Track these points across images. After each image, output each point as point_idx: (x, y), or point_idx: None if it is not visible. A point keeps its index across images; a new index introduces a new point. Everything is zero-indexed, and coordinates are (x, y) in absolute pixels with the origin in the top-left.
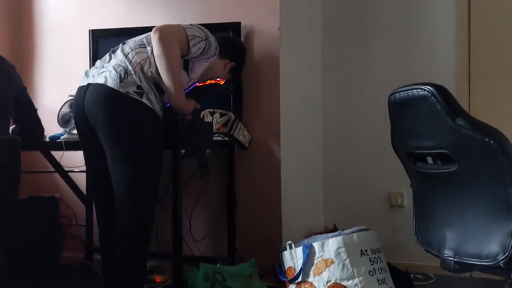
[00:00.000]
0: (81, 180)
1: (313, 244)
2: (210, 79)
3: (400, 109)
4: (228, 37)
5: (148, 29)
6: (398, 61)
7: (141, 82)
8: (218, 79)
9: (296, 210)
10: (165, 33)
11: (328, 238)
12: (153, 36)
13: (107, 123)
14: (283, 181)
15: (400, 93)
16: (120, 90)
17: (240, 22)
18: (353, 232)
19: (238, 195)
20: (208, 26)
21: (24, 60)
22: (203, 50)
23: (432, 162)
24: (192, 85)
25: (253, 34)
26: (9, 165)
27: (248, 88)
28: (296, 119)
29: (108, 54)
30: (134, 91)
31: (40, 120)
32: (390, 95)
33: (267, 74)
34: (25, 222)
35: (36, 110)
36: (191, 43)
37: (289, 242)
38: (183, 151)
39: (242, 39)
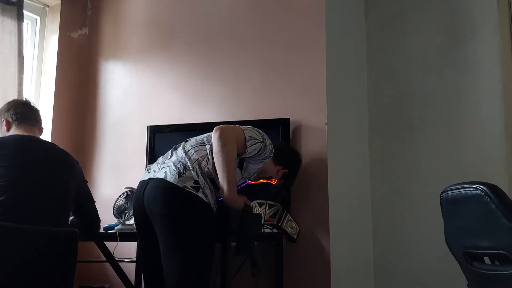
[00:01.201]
0: (130, 270)
1: None
2: (263, 177)
3: (453, 208)
4: (286, 146)
5: (202, 125)
6: (447, 154)
7: (198, 177)
8: (271, 178)
9: None
10: (225, 132)
11: None
12: (214, 134)
13: (163, 215)
14: (333, 275)
15: (453, 191)
16: (178, 184)
17: (288, 118)
18: None
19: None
20: (258, 122)
21: (85, 153)
22: (259, 151)
23: (490, 263)
24: (244, 182)
25: (301, 128)
26: (67, 256)
27: (297, 181)
28: (345, 212)
29: (170, 150)
30: (191, 186)
31: (97, 212)
32: (442, 193)
33: (316, 167)
34: None
35: (94, 202)
36: (247, 144)
37: None
38: (233, 243)
39: (290, 134)
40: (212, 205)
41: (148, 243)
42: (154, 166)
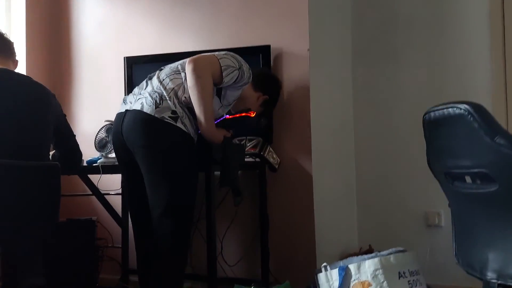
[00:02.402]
0: (117, 202)
1: (349, 266)
2: (242, 110)
3: (436, 128)
4: (265, 72)
5: (179, 54)
6: (431, 79)
7: (175, 107)
8: (249, 111)
9: (329, 230)
10: (199, 64)
11: (365, 259)
12: (187, 67)
13: (144, 147)
14: (316, 201)
15: (435, 111)
16: (155, 115)
17: (269, 45)
18: (390, 254)
19: (270, 216)
20: (238, 50)
21: (62, 87)
22: (236, 79)
23: (471, 182)
24: (222, 116)
25: (283, 56)
26: (50, 190)
27: (279, 110)
28: (328, 139)
29: (145, 80)
30: (169, 116)
31: (78, 146)
32: (424, 114)
33: (298, 95)
34: (64, 244)
35: (74, 135)
36: (224, 73)
37: (324, 264)
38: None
39: (271, 62)
40: (192, 134)
41: (131, 174)
42: (130, 97)
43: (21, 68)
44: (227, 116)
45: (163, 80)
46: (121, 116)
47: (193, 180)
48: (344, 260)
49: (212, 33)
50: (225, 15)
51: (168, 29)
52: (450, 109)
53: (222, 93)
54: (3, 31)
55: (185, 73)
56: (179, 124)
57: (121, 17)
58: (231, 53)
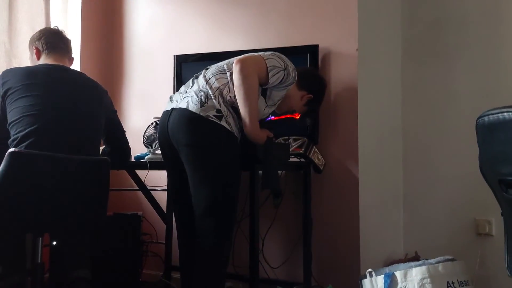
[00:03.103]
0: (162, 198)
1: (395, 273)
2: (286, 110)
3: (490, 133)
4: (310, 71)
5: (228, 53)
6: (485, 81)
7: (220, 106)
8: (294, 113)
9: (374, 235)
10: (246, 64)
11: (412, 267)
12: (234, 67)
13: (188, 145)
14: (361, 205)
15: (490, 116)
16: (200, 114)
17: (317, 45)
18: (439, 262)
19: (314, 218)
20: (285, 49)
21: (113, 84)
22: (282, 79)
23: None
24: (268, 116)
25: (331, 56)
26: (99, 184)
27: (324, 112)
28: (375, 142)
29: (191, 79)
30: (213, 115)
31: (127, 142)
32: (478, 118)
33: (345, 96)
34: (110, 238)
35: (124, 132)
36: (270, 74)
37: (370, 270)
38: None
39: (319, 62)
40: (236, 133)
41: (176, 172)
42: (176, 96)
43: (76, 65)
44: (272, 117)
45: (209, 79)
46: (167, 114)
47: (236, 179)
48: (390, 267)
49: (260, 32)
50: (273, 14)
51: (217, 28)
52: (505, 114)
53: (268, 93)
54: (62, 29)
55: (230, 73)
56: (223, 123)
57: (171, 16)
58: (277, 54)
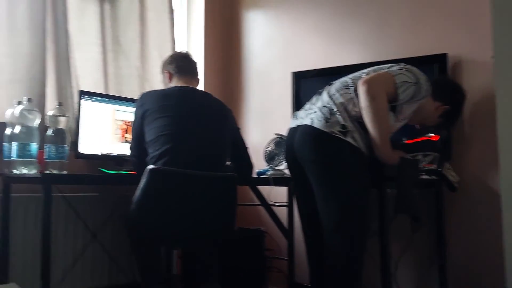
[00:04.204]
0: (283, 214)
1: None
2: (419, 121)
3: None
4: (446, 80)
5: (346, 67)
6: None
7: (345, 122)
8: (431, 135)
9: None
10: (373, 85)
11: None
12: (361, 88)
13: (314, 162)
14: (506, 225)
15: None
16: (325, 130)
17: (446, 54)
18: None
19: (449, 240)
20: (409, 60)
21: (233, 101)
22: (413, 95)
23: None
24: (399, 129)
25: (462, 64)
26: (229, 199)
27: (457, 125)
28: None
29: (315, 96)
30: (338, 130)
31: (251, 158)
32: None
33: (480, 107)
34: (235, 252)
35: (247, 148)
36: (399, 91)
37: None
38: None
39: (448, 72)
40: (362, 148)
41: (304, 189)
42: (301, 113)
43: (200, 85)
44: (406, 141)
45: (333, 94)
46: (293, 131)
47: (364, 193)
48: None
49: (379, 44)
50: (392, 25)
51: (333, 42)
52: None
53: (398, 108)
54: (190, 53)
55: (355, 88)
56: (348, 139)
57: (287, 33)
58: (408, 67)
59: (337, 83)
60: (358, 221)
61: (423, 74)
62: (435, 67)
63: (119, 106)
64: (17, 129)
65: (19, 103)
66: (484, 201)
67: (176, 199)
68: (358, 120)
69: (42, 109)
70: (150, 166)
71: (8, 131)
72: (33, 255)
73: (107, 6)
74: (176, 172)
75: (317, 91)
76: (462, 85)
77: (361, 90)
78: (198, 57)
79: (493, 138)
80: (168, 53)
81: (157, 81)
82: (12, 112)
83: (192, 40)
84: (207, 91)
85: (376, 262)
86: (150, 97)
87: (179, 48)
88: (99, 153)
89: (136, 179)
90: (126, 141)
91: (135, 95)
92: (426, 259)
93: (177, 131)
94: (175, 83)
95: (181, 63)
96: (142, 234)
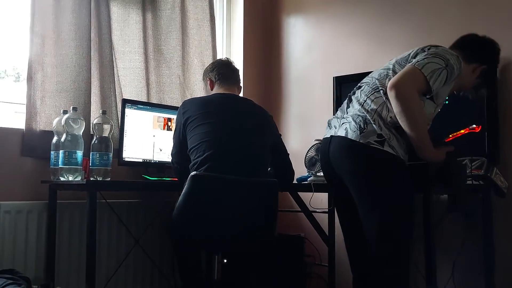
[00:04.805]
0: (323, 220)
1: None
2: (458, 89)
3: None
4: (474, 39)
5: None
6: None
7: (381, 130)
8: (474, 127)
9: None
10: (401, 87)
11: None
12: (390, 93)
13: (352, 174)
14: None
15: None
16: (361, 141)
17: None
18: None
19: (497, 249)
20: None
21: (273, 107)
22: (446, 79)
23: None
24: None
25: (511, 66)
26: (270, 205)
27: (506, 128)
28: None
29: (345, 101)
30: (375, 140)
31: (291, 164)
32: None
33: None
34: (275, 257)
35: (288, 154)
36: (431, 82)
37: None
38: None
39: (497, 73)
40: (402, 156)
41: (343, 199)
42: (334, 121)
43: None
44: (446, 139)
45: (364, 102)
46: (327, 142)
47: (408, 204)
48: None
49: (422, 45)
50: (437, 27)
51: (374, 46)
52: None
53: (434, 95)
54: (231, 60)
55: (384, 89)
56: (386, 148)
57: (328, 38)
58: (433, 51)
59: (365, 87)
60: (402, 231)
61: (450, 52)
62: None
63: (161, 114)
64: (63, 137)
65: (65, 112)
66: None
67: (217, 205)
68: (395, 126)
69: (87, 118)
70: (193, 172)
71: (54, 139)
72: (78, 260)
73: (149, 16)
74: (218, 178)
75: (348, 96)
76: (510, 88)
77: (391, 96)
78: (238, 63)
79: None
80: (209, 61)
81: (198, 89)
82: (58, 121)
83: (232, 47)
84: (247, 98)
85: (418, 269)
86: (192, 104)
87: (220, 56)
88: (141, 160)
89: (177, 186)
90: (169, 129)
91: (177, 103)
92: (472, 268)
93: (219, 137)
94: (216, 90)
95: (222, 70)
96: (183, 239)
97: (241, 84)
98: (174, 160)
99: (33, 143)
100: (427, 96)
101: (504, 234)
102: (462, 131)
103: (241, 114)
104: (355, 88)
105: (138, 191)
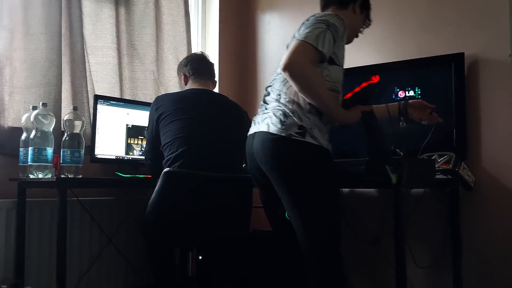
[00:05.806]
0: None
1: None
2: (354, 35)
3: None
4: None
5: (363, 68)
6: None
7: (301, 121)
8: (370, 80)
9: None
10: (291, 66)
11: None
12: (285, 75)
13: (274, 169)
14: None
15: None
16: (282, 134)
17: (463, 53)
18: None
19: (464, 241)
20: (427, 60)
21: (248, 103)
22: (334, 38)
23: None
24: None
25: (479, 64)
26: (244, 201)
27: (473, 124)
28: None
29: (264, 96)
30: (296, 132)
31: None
32: None
33: (498, 105)
34: (249, 254)
35: None
36: (319, 47)
37: None
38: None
39: (465, 71)
40: (325, 145)
41: (269, 196)
42: (257, 118)
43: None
44: (345, 96)
45: (279, 96)
46: (250, 138)
47: (333, 196)
48: None
49: (397, 44)
50: (410, 25)
51: (351, 43)
52: None
53: (333, 58)
54: (206, 54)
55: None
56: (307, 139)
57: None
58: (311, 21)
59: (276, 83)
60: (328, 225)
61: (325, 13)
62: (453, 66)
63: (134, 110)
64: (33, 134)
65: (34, 108)
66: (503, 201)
67: (191, 201)
68: (315, 111)
69: (57, 114)
70: (166, 169)
71: (23, 136)
72: (49, 259)
73: (122, 10)
74: (191, 174)
75: (265, 88)
76: (477, 85)
77: (287, 77)
78: (214, 60)
79: (509, 137)
80: (183, 56)
81: (173, 85)
82: (27, 117)
83: (207, 43)
84: (222, 93)
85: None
86: (165, 100)
87: (195, 51)
88: (114, 157)
89: (151, 183)
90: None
91: (151, 99)
92: (439, 260)
93: (192, 134)
94: (190, 85)
95: (196, 65)
96: (157, 237)
97: (216, 79)
98: (147, 156)
99: (1, 140)
100: (329, 63)
101: (470, 227)
102: (358, 88)
103: (215, 110)
104: (271, 80)
105: (111, 188)
